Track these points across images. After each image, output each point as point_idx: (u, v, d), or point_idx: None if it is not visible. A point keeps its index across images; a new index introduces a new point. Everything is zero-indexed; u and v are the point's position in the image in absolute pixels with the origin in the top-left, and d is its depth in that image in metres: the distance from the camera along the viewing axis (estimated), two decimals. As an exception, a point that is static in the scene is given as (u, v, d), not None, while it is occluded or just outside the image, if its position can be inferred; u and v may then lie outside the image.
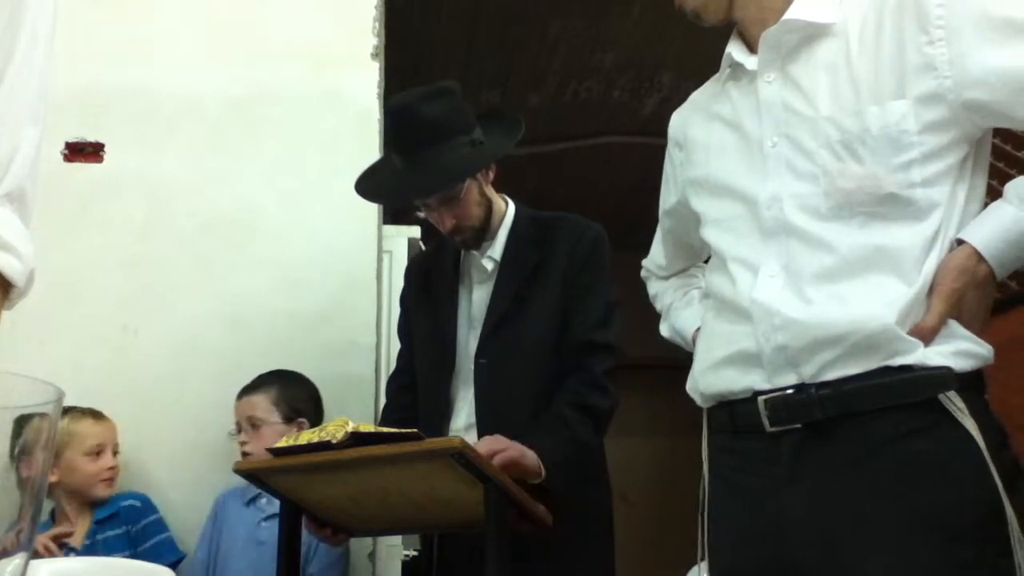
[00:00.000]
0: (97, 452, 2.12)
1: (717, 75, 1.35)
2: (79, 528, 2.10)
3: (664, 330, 1.54)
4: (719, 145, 1.29)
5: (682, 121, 1.41)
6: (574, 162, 4.81)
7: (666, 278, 1.58)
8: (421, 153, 1.81)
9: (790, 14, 1.19)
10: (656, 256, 1.59)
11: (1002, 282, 1.15)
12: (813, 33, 1.19)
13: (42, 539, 1.96)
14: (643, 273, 1.64)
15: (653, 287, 1.61)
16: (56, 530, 2.04)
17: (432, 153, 1.80)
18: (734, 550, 1.20)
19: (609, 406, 1.83)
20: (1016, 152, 1.98)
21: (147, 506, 2.18)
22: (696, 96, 1.41)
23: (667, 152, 1.46)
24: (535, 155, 4.54)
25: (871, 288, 1.09)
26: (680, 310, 1.50)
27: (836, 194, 1.13)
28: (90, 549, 2.05)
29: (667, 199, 1.48)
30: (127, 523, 2.12)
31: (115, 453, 2.17)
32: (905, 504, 1.04)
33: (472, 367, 1.89)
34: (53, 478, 2.09)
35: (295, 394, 2.16)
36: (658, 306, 1.58)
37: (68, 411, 2.13)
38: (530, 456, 1.66)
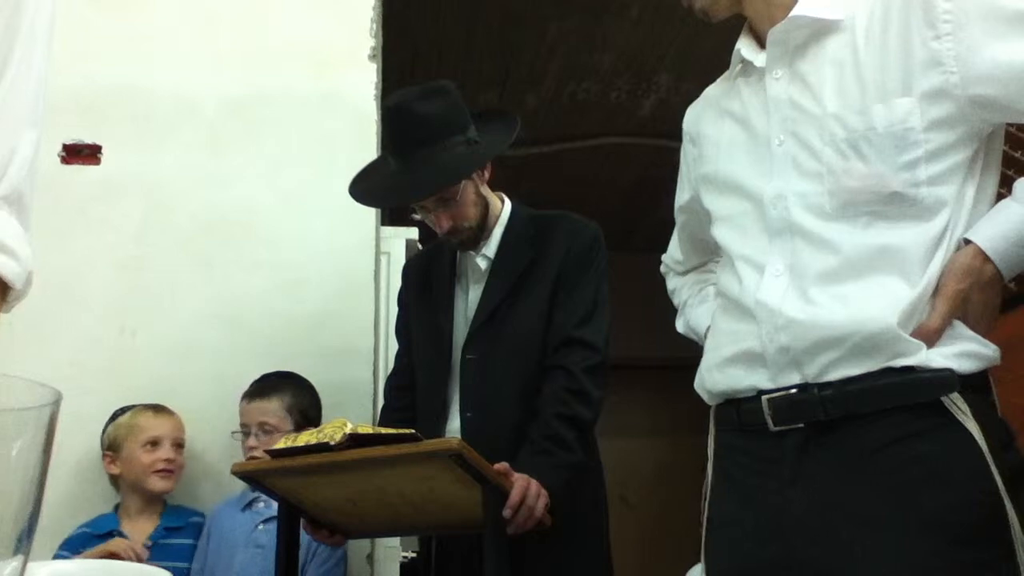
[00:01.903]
0: (153, 443, 2.15)
1: (729, 71, 1.34)
2: (142, 527, 2.14)
3: (680, 326, 1.54)
4: (729, 142, 1.28)
5: (695, 116, 1.40)
6: (572, 163, 4.80)
7: (684, 273, 1.58)
8: (416, 152, 1.80)
9: (797, 10, 1.18)
10: (673, 251, 1.58)
11: (1001, 284, 1.14)
12: (821, 29, 1.18)
13: (124, 544, 2.00)
14: (662, 268, 1.64)
15: (671, 282, 1.60)
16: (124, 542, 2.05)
17: (427, 153, 1.79)
18: (735, 548, 1.20)
19: (592, 417, 1.83)
20: (1014, 152, 1.98)
21: None
22: (710, 91, 1.40)
23: (682, 148, 1.45)
24: (533, 156, 4.54)
25: (874, 289, 1.08)
26: (695, 307, 1.50)
27: (841, 193, 1.12)
28: (160, 551, 2.08)
29: (681, 195, 1.47)
30: (194, 537, 2.18)
31: (179, 447, 2.20)
32: (905, 506, 1.04)
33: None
34: (116, 470, 2.16)
35: (305, 401, 2.17)
36: (676, 302, 1.57)
37: (132, 408, 2.19)
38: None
